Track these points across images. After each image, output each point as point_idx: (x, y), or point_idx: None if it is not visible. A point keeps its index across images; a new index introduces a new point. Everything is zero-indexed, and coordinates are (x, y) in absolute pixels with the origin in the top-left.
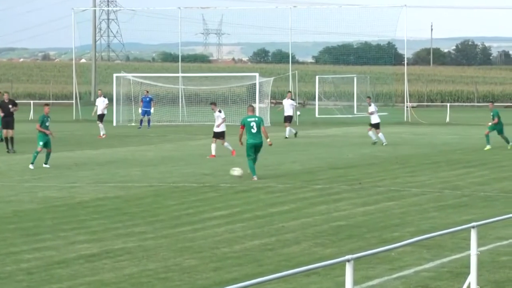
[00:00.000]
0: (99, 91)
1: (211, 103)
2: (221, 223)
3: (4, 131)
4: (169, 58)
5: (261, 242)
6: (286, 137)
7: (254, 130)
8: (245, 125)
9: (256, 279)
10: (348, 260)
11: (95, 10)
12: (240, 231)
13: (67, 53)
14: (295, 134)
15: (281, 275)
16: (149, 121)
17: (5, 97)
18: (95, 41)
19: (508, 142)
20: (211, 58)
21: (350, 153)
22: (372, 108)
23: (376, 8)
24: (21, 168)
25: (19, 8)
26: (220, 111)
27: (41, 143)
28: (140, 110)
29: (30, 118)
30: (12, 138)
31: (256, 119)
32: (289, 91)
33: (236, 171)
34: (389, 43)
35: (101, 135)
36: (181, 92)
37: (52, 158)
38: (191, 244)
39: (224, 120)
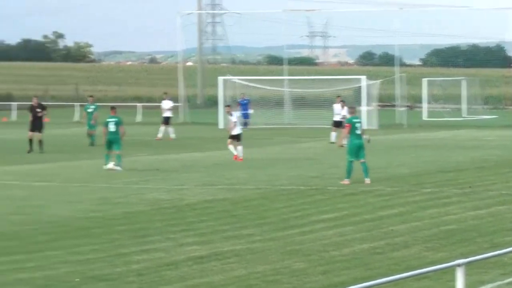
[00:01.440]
0: (165, 94)
1: (226, 106)
2: (329, 226)
3: (30, 133)
4: (274, 61)
5: (370, 245)
6: (332, 142)
7: (358, 132)
8: (351, 125)
9: (365, 283)
10: (459, 265)
11: (200, 13)
12: (349, 234)
13: (174, 56)
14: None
15: (391, 279)
16: (246, 124)
17: (34, 102)
18: (201, 44)
19: None
20: (316, 60)
21: (460, 156)
22: None
23: (484, 10)
24: (130, 170)
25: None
26: (231, 114)
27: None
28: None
29: (137, 121)
30: (40, 141)
31: (360, 120)
32: (338, 96)
33: None
34: (497, 45)
35: (159, 137)
36: (287, 95)
37: (160, 161)
38: (299, 247)
39: (235, 123)
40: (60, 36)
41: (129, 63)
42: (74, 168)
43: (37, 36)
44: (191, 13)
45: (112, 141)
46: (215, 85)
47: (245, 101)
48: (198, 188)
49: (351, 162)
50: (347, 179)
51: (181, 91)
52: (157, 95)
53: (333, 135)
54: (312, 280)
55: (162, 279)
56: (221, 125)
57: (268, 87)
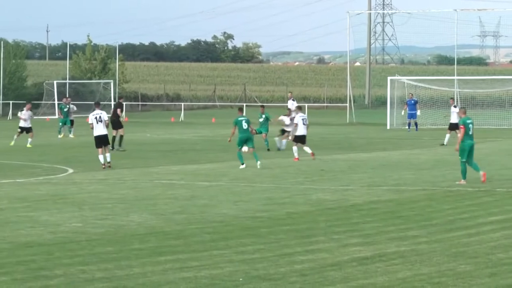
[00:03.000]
0: (290, 93)
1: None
2: (497, 228)
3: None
4: (444, 61)
5: None
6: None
7: (470, 132)
8: (465, 126)
9: None
10: None
11: (370, 13)
12: None
13: (342, 56)
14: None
15: None
16: (416, 124)
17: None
18: (370, 45)
19: None
20: (487, 61)
21: None
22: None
23: None
24: (295, 171)
25: (294, 12)
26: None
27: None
28: (402, 113)
29: None
30: (115, 137)
31: (472, 121)
32: (451, 98)
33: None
34: None
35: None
36: (456, 95)
37: (326, 161)
38: (465, 249)
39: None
40: (229, 36)
41: (296, 63)
42: (241, 168)
43: (206, 37)
44: (361, 13)
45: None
46: (383, 85)
47: (412, 101)
48: (364, 189)
49: (464, 162)
50: (463, 180)
51: (349, 92)
52: (325, 96)
53: (447, 137)
54: (478, 282)
55: (326, 279)
56: (389, 125)
57: (437, 88)
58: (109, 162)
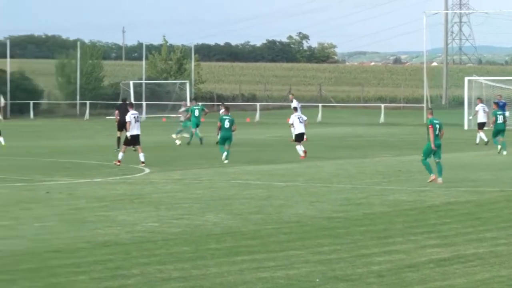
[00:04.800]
0: (291, 95)
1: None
2: None
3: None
4: None
5: None
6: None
7: (437, 133)
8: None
9: None
10: None
11: (447, 13)
12: None
13: (418, 56)
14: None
15: None
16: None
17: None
18: (447, 44)
19: None
20: None
21: None
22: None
23: None
24: (372, 171)
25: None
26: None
27: None
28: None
29: (380, 122)
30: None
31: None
32: (478, 98)
33: None
34: None
35: None
36: None
37: (403, 162)
38: None
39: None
40: (305, 37)
41: (372, 63)
42: (317, 168)
43: (282, 37)
44: (438, 12)
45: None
46: (460, 85)
47: (501, 103)
48: (441, 189)
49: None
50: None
51: (425, 92)
52: (401, 96)
53: (479, 136)
54: None
55: (403, 281)
56: (466, 126)
57: None
58: (143, 162)
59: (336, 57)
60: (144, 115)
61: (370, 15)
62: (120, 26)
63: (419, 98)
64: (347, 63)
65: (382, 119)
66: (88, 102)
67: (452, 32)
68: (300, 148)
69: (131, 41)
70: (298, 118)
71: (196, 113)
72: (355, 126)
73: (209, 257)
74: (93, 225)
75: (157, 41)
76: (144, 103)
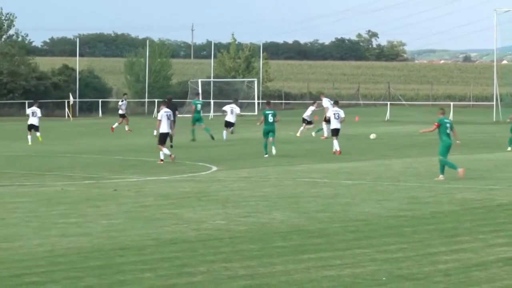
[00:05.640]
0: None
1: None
2: None
3: None
4: None
5: None
6: None
7: (448, 131)
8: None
9: None
10: None
11: None
12: None
13: (489, 54)
14: None
15: None
16: None
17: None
18: None
19: None
20: None
21: None
22: None
23: None
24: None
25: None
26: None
27: None
28: None
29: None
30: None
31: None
32: None
33: None
34: None
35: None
36: None
37: (472, 160)
38: None
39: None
40: (374, 35)
41: (442, 61)
42: (385, 166)
43: (351, 35)
44: (509, 10)
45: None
46: None
47: None
48: (510, 188)
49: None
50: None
51: (495, 90)
52: (471, 94)
53: None
54: None
55: (470, 279)
56: None
57: None
58: (170, 155)
59: (405, 55)
60: (212, 113)
61: (439, 13)
62: (189, 25)
63: (488, 97)
64: (416, 61)
65: (451, 117)
66: (156, 100)
67: None
68: (336, 143)
69: (200, 40)
70: (334, 113)
71: (199, 107)
72: (424, 124)
73: (275, 255)
74: (160, 222)
75: (226, 39)
76: (212, 101)
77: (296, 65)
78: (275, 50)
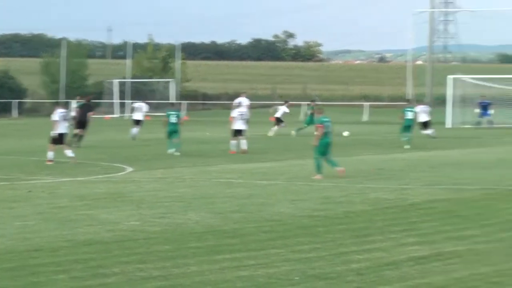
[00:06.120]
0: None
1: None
2: None
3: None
4: (506, 59)
5: None
6: None
7: (329, 130)
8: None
9: None
10: None
11: (432, 11)
12: None
13: (403, 55)
14: None
15: None
16: (490, 122)
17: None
18: (432, 43)
19: None
20: None
21: None
22: None
23: None
24: (353, 170)
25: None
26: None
27: None
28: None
29: (363, 120)
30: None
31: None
32: None
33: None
34: None
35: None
36: None
37: (385, 160)
38: None
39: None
40: (290, 35)
41: (357, 62)
42: (300, 166)
43: (267, 36)
44: (424, 11)
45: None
46: (444, 84)
47: (484, 103)
48: (423, 188)
49: (318, 158)
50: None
51: (409, 90)
52: (385, 94)
53: None
54: None
55: (382, 278)
56: (449, 124)
57: (499, 86)
58: (71, 157)
59: (321, 56)
60: (128, 114)
61: (355, 14)
62: (107, 25)
63: (403, 97)
64: (332, 62)
65: (366, 117)
66: (72, 100)
67: (438, 31)
68: (234, 143)
69: (117, 40)
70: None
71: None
72: (339, 124)
73: (190, 256)
74: (74, 223)
75: (143, 40)
76: (128, 101)
77: (213, 66)
78: (192, 51)
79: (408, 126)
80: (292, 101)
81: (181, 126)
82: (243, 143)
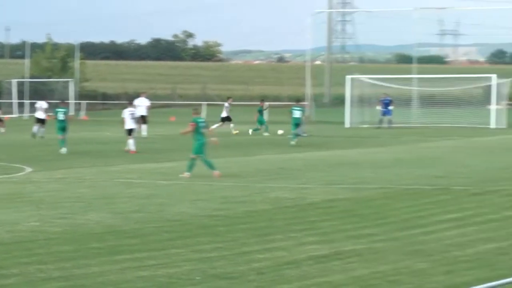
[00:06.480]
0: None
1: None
2: (453, 226)
3: None
4: (403, 59)
5: (494, 246)
6: None
7: (202, 131)
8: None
9: (489, 283)
10: None
11: (331, 12)
12: (473, 234)
13: (302, 55)
14: None
15: None
16: (390, 121)
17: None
18: (330, 43)
19: None
20: (446, 59)
21: None
22: None
23: None
24: (254, 169)
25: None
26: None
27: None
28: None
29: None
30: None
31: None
32: None
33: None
34: None
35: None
36: (415, 93)
37: (285, 159)
38: (421, 247)
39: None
40: (190, 35)
41: (257, 62)
42: (200, 167)
43: (167, 36)
44: (322, 11)
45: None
46: (342, 84)
47: (386, 101)
48: (322, 187)
49: (194, 158)
50: (187, 173)
51: (309, 90)
52: (285, 94)
53: None
54: (434, 280)
55: (282, 277)
56: (348, 124)
57: (396, 86)
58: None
59: (221, 56)
60: (27, 114)
61: (255, 14)
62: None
63: (302, 97)
64: (232, 62)
65: (266, 117)
66: None
67: (336, 31)
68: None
69: (15, 40)
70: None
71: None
72: (238, 124)
73: (91, 256)
74: None
75: (42, 39)
76: (27, 101)
77: (112, 65)
78: (91, 50)
79: (296, 124)
80: (193, 101)
81: (69, 124)
82: (131, 143)
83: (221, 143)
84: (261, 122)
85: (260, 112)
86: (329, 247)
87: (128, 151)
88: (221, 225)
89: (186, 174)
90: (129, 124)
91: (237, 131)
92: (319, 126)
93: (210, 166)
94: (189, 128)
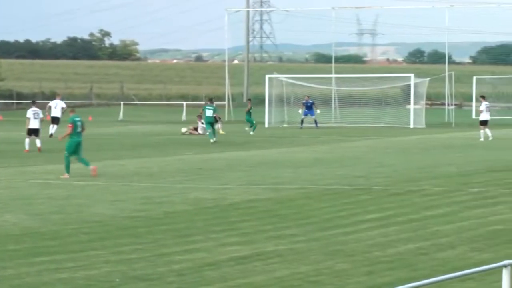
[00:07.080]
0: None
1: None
2: (374, 226)
3: None
4: (322, 59)
5: (415, 246)
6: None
7: (79, 130)
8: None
9: (409, 284)
10: (506, 266)
11: (248, 11)
12: (393, 234)
13: (220, 54)
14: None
15: (435, 280)
16: (316, 121)
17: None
18: (248, 42)
19: None
20: (364, 58)
21: (510, 156)
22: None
23: None
24: (173, 169)
25: (172, 9)
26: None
27: None
28: (300, 111)
29: (182, 120)
30: None
31: (80, 118)
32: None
33: None
34: None
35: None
36: (334, 93)
37: (205, 160)
38: (342, 247)
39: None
40: (106, 34)
41: (174, 61)
42: (118, 167)
43: (83, 34)
44: (239, 10)
45: None
46: (261, 83)
47: (309, 103)
48: (242, 187)
49: (68, 157)
50: (67, 174)
51: (227, 89)
52: (203, 94)
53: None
54: (355, 281)
55: (203, 279)
56: (267, 124)
57: (315, 86)
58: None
59: (138, 55)
60: None
61: (172, 13)
62: None
63: (221, 96)
64: (149, 61)
65: (184, 117)
66: None
67: (253, 30)
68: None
69: None
70: (34, 113)
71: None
72: (157, 124)
73: (7, 259)
74: None
75: None
76: None
77: (27, 64)
78: (6, 49)
79: (208, 123)
80: (110, 101)
81: None
82: (38, 142)
83: (137, 143)
84: (249, 120)
85: (249, 112)
86: (250, 248)
87: (39, 149)
88: (141, 226)
89: (66, 175)
90: (33, 123)
91: (223, 132)
92: (239, 126)
93: (86, 164)
94: (68, 130)
